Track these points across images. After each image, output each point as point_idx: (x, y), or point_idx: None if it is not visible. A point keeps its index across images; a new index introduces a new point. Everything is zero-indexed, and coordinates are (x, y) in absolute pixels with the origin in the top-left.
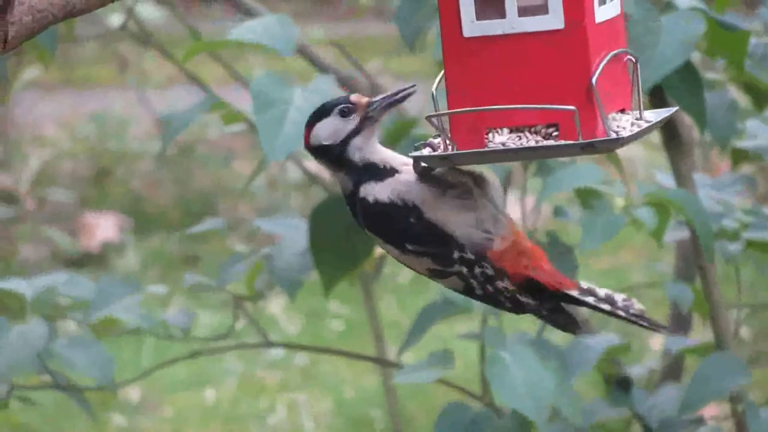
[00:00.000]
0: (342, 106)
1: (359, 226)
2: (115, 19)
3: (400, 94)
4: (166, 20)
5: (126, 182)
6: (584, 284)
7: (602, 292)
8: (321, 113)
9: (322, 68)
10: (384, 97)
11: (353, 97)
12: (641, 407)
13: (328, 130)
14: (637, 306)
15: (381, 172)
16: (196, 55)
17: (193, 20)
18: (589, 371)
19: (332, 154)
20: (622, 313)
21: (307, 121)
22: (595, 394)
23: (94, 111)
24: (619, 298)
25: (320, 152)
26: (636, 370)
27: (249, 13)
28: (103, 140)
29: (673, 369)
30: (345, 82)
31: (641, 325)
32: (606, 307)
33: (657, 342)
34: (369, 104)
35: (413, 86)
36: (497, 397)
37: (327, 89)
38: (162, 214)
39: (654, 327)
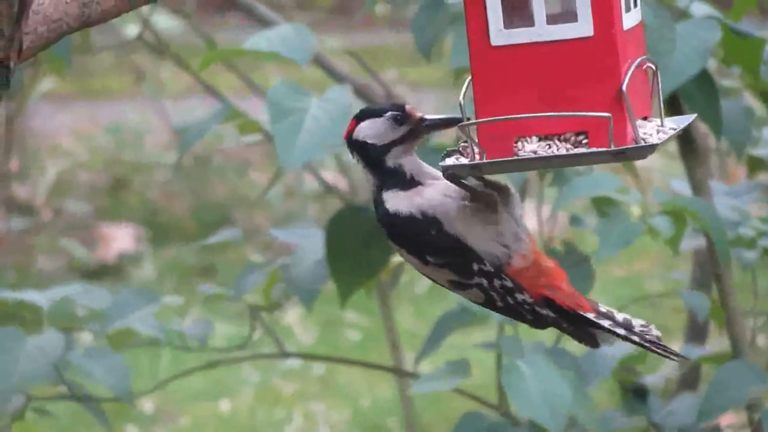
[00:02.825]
0: (396, 113)
1: (381, 230)
2: (131, 29)
3: (448, 120)
4: (182, 30)
5: (142, 193)
6: (603, 308)
7: (621, 316)
8: (373, 112)
9: (338, 78)
10: (435, 118)
11: (408, 108)
12: (657, 416)
13: (376, 130)
14: (654, 332)
15: (406, 182)
16: (211, 64)
17: (209, 30)
18: (606, 380)
19: (370, 154)
20: (636, 339)
21: (356, 114)
22: (612, 403)
23: (110, 122)
24: (637, 323)
25: (358, 147)
26: (652, 379)
27: (265, 23)
28: (120, 151)
29: (689, 377)
30: (361, 93)
31: (656, 352)
32: (621, 331)
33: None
34: (421, 119)
35: (460, 119)
36: (514, 406)
37: (343, 99)
38: (178, 224)
39: (668, 355)
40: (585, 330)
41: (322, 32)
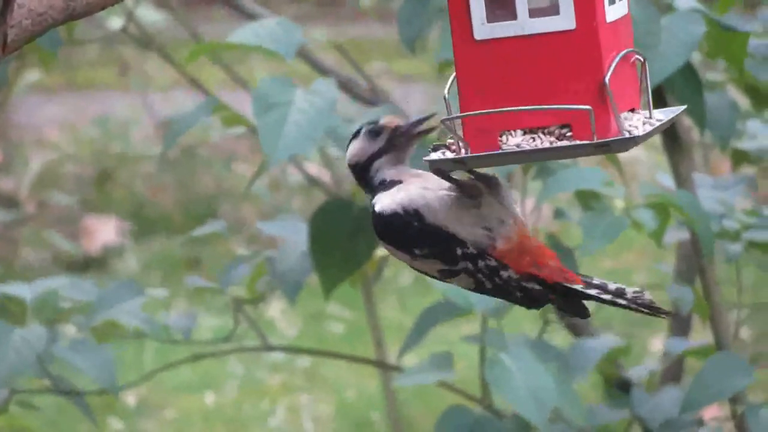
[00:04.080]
0: (371, 127)
1: (370, 249)
2: (115, 22)
3: (425, 125)
4: (168, 23)
5: (128, 185)
6: (596, 280)
7: (613, 286)
8: (354, 133)
9: (323, 71)
10: (412, 124)
11: (384, 119)
12: (642, 409)
13: (355, 150)
14: (647, 297)
15: (388, 185)
16: (197, 58)
17: (195, 23)
18: (590, 373)
19: (359, 173)
20: (623, 302)
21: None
22: (596, 396)
23: (96, 114)
24: (629, 291)
25: (353, 171)
26: (636, 372)
27: (251, 16)
28: (106, 143)
29: (673, 370)
30: (346, 86)
31: (644, 312)
32: (607, 297)
33: (657, 344)
34: (396, 128)
35: (435, 114)
36: (498, 399)
37: (328, 92)
38: (164, 217)
39: (656, 313)
40: (574, 302)
41: (309, 25)
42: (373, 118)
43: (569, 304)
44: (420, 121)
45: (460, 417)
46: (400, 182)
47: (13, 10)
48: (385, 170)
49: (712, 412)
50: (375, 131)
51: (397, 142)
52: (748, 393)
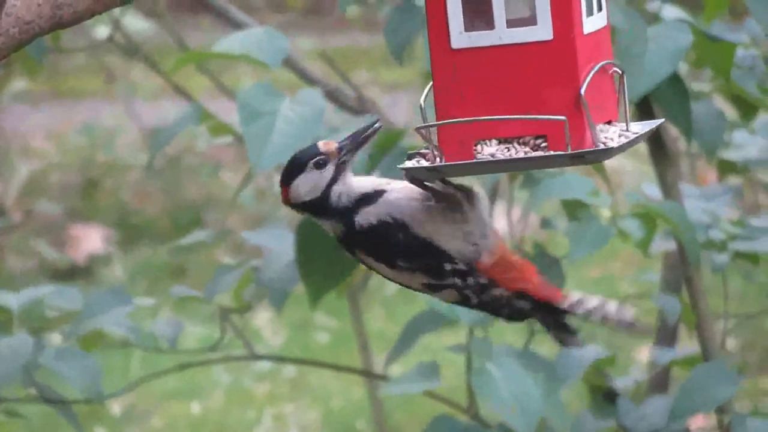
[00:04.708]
0: (316, 159)
1: (355, 260)
2: (102, 30)
3: (368, 132)
4: (155, 31)
5: (114, 194)
6: (576, 296)
7: (593, 303)
8: (294, 169)
9: (309, 80)
10: (352, 138)
11: (322, 146)
12: (628, 419)
13: (307, 186)
14: (629, 313)
15: (371, 197)
16: (183, 66)
17: (182, 31)
18: (576, 383)
19: (315, 206)
20: (608, 320)
21: (282, 179)
22: (582, 406)
23: (82, 122)
24: (611, 307)
25: (304, 207)
26: (623, 382)
27: (237, 25)
28: (92, 152)
29: (659, 380)
30: (333, 95)
31: (630, 332)
32: (593, 316)
33: (643, 353)
34: (339, 149)
35: (377, 121)
36: (484, 408)
37: (315, 100)
38: (150, 225)
39: (637, 331)
40: (559, 320)
41: (295, 33)
42: (300, 148)
43: (553, 323)
44: (359, 133)
45: (446, 426)
46: (384, 192)
47: (1, 19)
48: (346, 192)
49: (698, 422)
50: (321, 162)
51: (345, 161)
52: (735, 402)
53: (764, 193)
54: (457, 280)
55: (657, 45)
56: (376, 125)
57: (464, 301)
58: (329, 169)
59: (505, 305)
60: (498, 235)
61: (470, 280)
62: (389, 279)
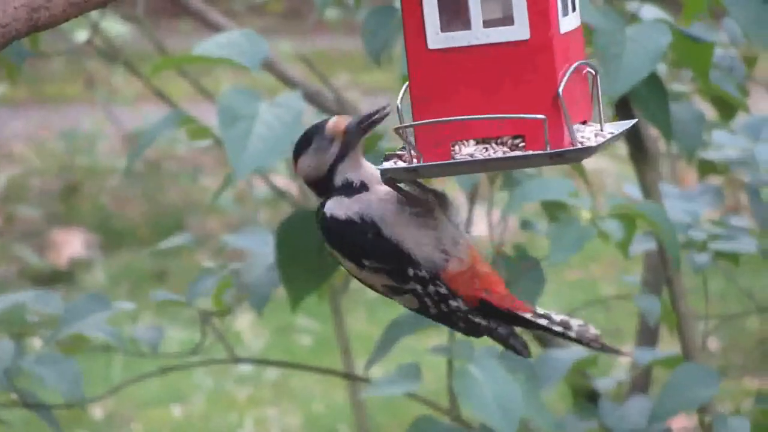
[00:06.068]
0: (321, 135)
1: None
2: (81, 35)
3: (377, 115)
4: (134, 36)
5: (95, 198)
6: (540, 310)
7: (558, 317)
8: (303, 144)
9: (290, 83)
10: (361, 120)
11: (330, 124)
12: (609, 419)
13: (313, 162)
14: (592, 331)
15: (352, 190)
16: (163, 71)
17: (161, 35)
18: (558, 384)
19: (321, 183)
20: (573, 335)
21: (293, 153)
22: (564, 406)
23: (62, 127)
24: (575, 323)
25: (311, 182)
26: (604, 383)
27: (217, 29)
28: (72, 156)
29: (641, 381)
30: (313, 98)
31: (595, 349)
32: (559, 329)
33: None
34: (347, 129)
35: (387, 105)
36: (466, 410)
37: (294, 104)
38: (131, 229)
39: (608, 350)
40: (517, 337)
41: (274, 37)
42: (313, 124)
43: (512, 339)
44: (367, 117)
45: (428, 428)
46: (367, 189)
47: None
48: (347, 172)
49: (680, 423)
50: (326, 139)
51: (351, 142)
52: (717, 403)
53: (744, 193)
54: (418, 287)
55: (636, 45)
56: (387, 109)
57: (423, 309)
58: (334, 148)
59: (462, 319)
60: (469, 242)
61: (430, 288)
62: (353, 275)
